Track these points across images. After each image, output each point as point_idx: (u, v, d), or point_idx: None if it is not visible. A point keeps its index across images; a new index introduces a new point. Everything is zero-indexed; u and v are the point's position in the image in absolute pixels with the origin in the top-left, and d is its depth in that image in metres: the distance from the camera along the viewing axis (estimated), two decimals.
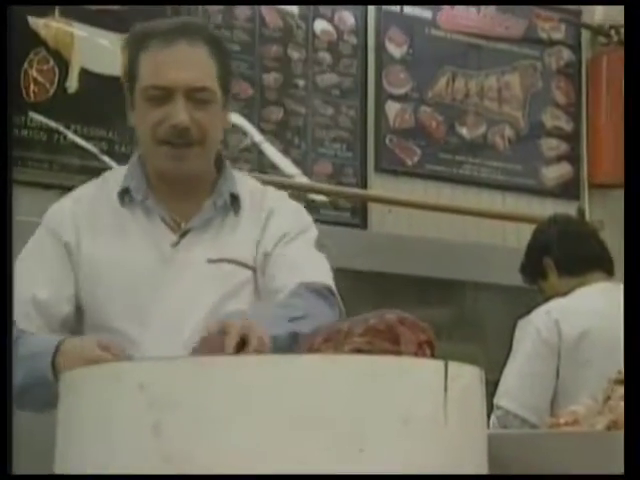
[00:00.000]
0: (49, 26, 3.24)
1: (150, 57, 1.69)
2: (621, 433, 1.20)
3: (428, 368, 1.16)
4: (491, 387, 3.00)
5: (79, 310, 1.74)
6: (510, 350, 2.83)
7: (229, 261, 1.72)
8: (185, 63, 1.68)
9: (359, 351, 1.25)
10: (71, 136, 3.26)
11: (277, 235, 1.76)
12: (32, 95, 3.19)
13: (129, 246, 1.72)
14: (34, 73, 3.20)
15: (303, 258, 1.75)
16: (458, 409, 1.15)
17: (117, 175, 1.82)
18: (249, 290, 1.74)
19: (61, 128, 3.23)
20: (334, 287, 1.75)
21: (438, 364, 1.15)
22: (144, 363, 1.18)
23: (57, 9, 3.26)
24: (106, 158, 3.31)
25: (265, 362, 1.11)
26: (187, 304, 1.69)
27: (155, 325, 1.67)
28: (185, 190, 1.75)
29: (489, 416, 2.72)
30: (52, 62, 3.23)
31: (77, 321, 1.74)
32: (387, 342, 1.25)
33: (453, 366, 1.15)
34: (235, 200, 1.77)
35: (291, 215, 1.81)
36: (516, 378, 2.69)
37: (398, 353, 1.25)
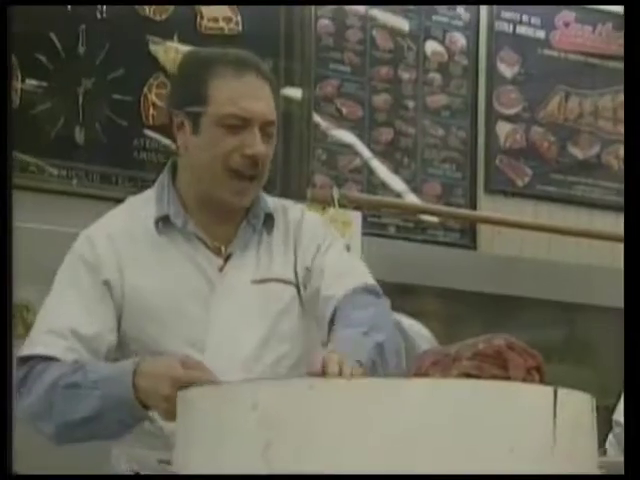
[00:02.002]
0: (168, 51, 3.35)
1: (224, 85, 1.68)
2: None
3: (537, 394, 1.16)
4: (604, 413, 2.94)
5: (124, 342, 1.72)
6: (622, 373, 2.77)
7: (275, 280, 1.74)
8: (260, 96, 1.70)
9: (467, 375, 1.26)
10: None
11: (312, 248, 1.77)
12: (151, 119, 3.30)
13: (174, 274, 1.71)
14: (153, 97, 3.32)
15: (344, 264, 1.77)
16: (567, 437, 1.15)
17: (143, 202, 1.78)
18: (296, 306, 1.74)
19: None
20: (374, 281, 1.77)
21: (547, 390, 1.15)
22: (259, 384, 1.21)
23: (176, 35, 3.37)
24: None
25: (375, 385, 1.13)
26: (241, 327, 1.71)
27: (210, 348, 1.68)
28: (223, 214, 1.76)
29: (607, 435, 2.67)
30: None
31: (121, 352, 1.72)
32: (495, 367, 1.26)
33: (562, 392, 1.15)
34: (269, 219, 1.78)
35: (318, 226, 1.83)
36: None
37: (506, 378, 1.25)
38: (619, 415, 2.61)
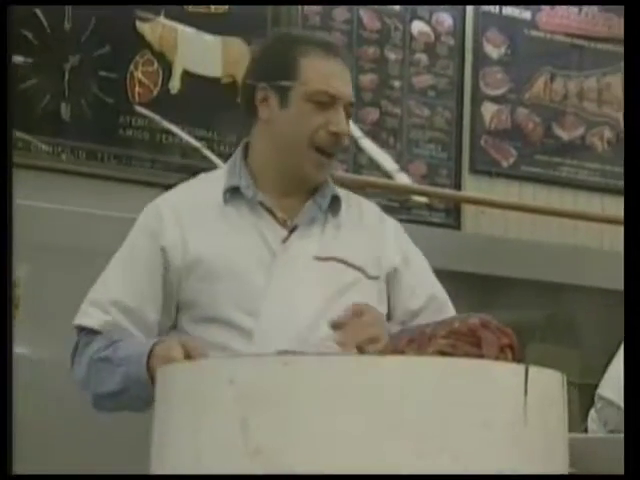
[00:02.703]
0: (154, 29, 3.35)
1: (314, 64, 1.78)
2: None
3: (508, 372, 1.18)
4: (586, 389, 2.98)
5: (178, 308, 1.79)
6: (607, 353, 2.79)
7: (338, 260, 1.80)
8: (345, 79, 1.81)
9: (442, 353, 1.28)
10: (173, 135, 3.36)
11: (402, 252, 1.89)
12: (137, 96, 3.30)
13: (238, 242, 1.78)
14: (139, 75, 3.32)
15: (430, 278, 1.93)
16: (538, 413, 1.17)
17: (215, 178, 1.87)
18: (355, 290, 1.80)
19: (165, 126, 3.34)
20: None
21: (518, 368, 1.17)
22: (236, 360, 1.23)
23: (162, 13, 3.36)
24: (210, 156, 3.40)
25: (349, 362, 1.15)
26: (299, 297, 1.76)
27: (268, 317, 1.73)
28: (291, 189, 1.84)
29: (589, 411, 2.69)
30: (156, 64, 3.34)
31: (173, 319, 1.80)
32: (469, 345, 1.28)
33: (533, 370, 1.17)
34: (336, 202, 1.86)
35: (404, 233, 1.95)
36: (620, 370, 2.65)
37: (480, 356, 1.28)
38: (602, 390, 2.63)
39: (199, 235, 1.77)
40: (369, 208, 1.95)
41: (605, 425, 2.60)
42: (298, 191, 1.84)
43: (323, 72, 1.78)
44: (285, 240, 1.79)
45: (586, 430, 2.69)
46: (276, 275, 1.76)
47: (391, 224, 1.95)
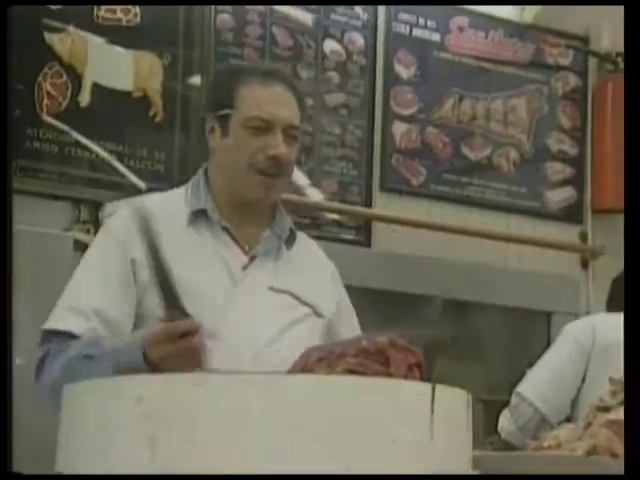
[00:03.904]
0: (64, 40, 3.30)
1: (251, 92, 1.84)
2: (600, 458, 1.24)
3: (415, 390, 1.20)
4: (491, 406, 3.04)
5: (145, 320, 1.79)
6: (512, 370, 2.88)
7: (291, 295, 1.87)
8: (284, 103, 1.86)
9: (351, 372, 1.29)
10: (82, 148, 3.32)
11: (339, 298, 1.97)
12: (45, 108, 3.25)
13: (201, 266, 1.82)
14: (48, 87, 3.26)
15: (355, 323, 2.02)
16: (444, 430, 1.19)
17: (176, 196, 1.91)
18: (305, 326, 1.87)
19: (74, 139, 3.29)
20: None
21: (425, 387, 1.19)
22: (143, 378, 1.22)
23: (72, 25, 3.32)
24: (120, 170, 3.37)
25: (259, 382, 1.15)
26: (256, 324, 1.81)
27: (227, 339, 1.76)
28: (249, 216, 1.88)
29: (494, 427, 2.77)
30: (65, 76, 3.30)
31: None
32: (378, 364, 1.29)
33: (440, 389, 1.19)
34: (292, 235, 1.93)
35: (339, 278, 2.01)
36: (540, 370, 2.75)
37: (389, 375, 1.29)
38: (520, 387, 2.73)
39: (165, 253, 1.75)
40: (315, 247, 2.03)
41: (517, 420, 2.69)
42: (253, 219, 1.89)
43: (258, 99, 1.84)
44: (245, 267, 1.85)
45: (499, 439, 2.76)
46: (235, 300, 1.81)
47: (331, 267, 2.01)
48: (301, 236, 1.98)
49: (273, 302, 1.85)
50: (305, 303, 1.88)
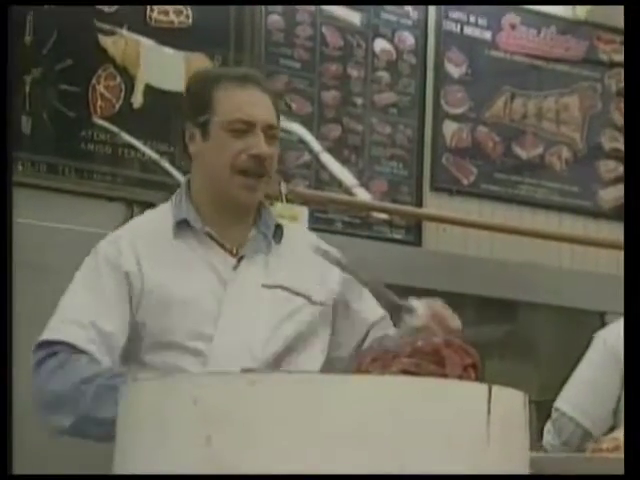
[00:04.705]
0: (117, 43, 3.34)
1: (227, 95, 1.87)
2: None
3: (472, 391, 1.19)
4: (542, 407, 3.01)
5: (137, 332, 1.83)
6: (563, 370, 2.84)
7: (283, 288, 1.88)
8: (261, 104, 1.89)
9: (406, 372, 1.29)
10: (135, 150, 3.35)
11: (344, 278, 1.93)
12: (99, 110, 3.29)
13: (190, 274, 1.85)
14: (101, 89, 3.30)
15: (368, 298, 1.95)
16: (500, 432, 1.18)
17: (164, 209, 1.95)
18: (299, 317, 1.89)
19: (127, 141, 3.33)
20: None
21: (482, 387, 1.18)
22: (199, 378, 1.23)
23: (125, 27, 3.36)
24: (170, 170, 3.40)
25: (315, 382, 1.15)
26: (250, 323, 1.83)
27: (221, 341, 1.80)
28: (235, 216, 1.91)
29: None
30: (119, 78, 3.33)
31: (133, 344, 1.83)
32: (433, 364, 1.29)
33: (496, 389, 1.18)
34: (279, 230, 1.95)
35: (338, 256, 1.98)
36: (577, 383, 2.72)
37: (444, 375, 1.28)
38: (558, 402, 2.70)
39: (152, 266, 1.84)
40: (305, 235, 2.05)
41: (559, 435, 2.66)
42: (239, 220, 1.92)
43: (236, 101, 1.87)
44: (235, 268, 1.87)
45: (542, 446, 2.73)
46: (228, 301, 1.83)
47: (328, 248, 2.00)
48: (291, 227, 1.99)
49: (266, 299, 1.87)
50: (298, 294, 1.89)
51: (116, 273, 1.83)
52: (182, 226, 1.89)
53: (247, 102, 1.87)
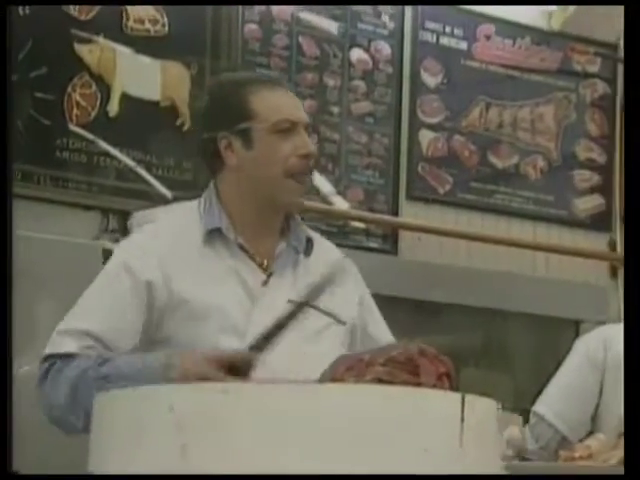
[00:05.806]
0: (93, 51, 3.33)
1: (264, 98, 1.85)
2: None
3: (445, 399, 1.20)
4: (521, 414, 3.02)
5: (161, 342, 1.79)
6: (539, 378, 2.86)
7: (311, 306, 1.82)
8: (297, 104, 1.90)
9: (380, 381, 1.29)
10: (111, 158, 3.34)
11: (361, 298, 1.94)
12: (74, 118, 3.28)
13: (219, 286, 1.80)
14: (77, 97, 3.29)
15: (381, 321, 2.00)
16: (474, 439, 1.19)
17: (188, 213, 1.89)
18: (326, 336, 1.86)
19: (103, 149, 3.32)
20: None
21: (455, 396, 1.19)
22: (175, 387, 1.23)
23: (101, 36, 3.35)
24: (147, 179, 3.39)
25: (289, 391, 1.16)
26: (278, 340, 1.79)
27: None
28: (266, 229, 1.88)
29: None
30: (94, 86, 3.32)
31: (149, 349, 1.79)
32: (407, 373, 1.29)
33: (469, 398, 1.19)
34: (309, 244, 1.91)
35: (358, 274, 1.99)
36: (556, 388, 2.73)
37: (418, 384, 1.29)
38: (537, 406, 2.71)
39: (181, 276, 1.79)
40: (331, 250, 2.00)
41: (537, 441, 2.67)
42: (270, 231, 1.88)
43: (276, 103, 1.85)
44: (265, 284, 1.84)
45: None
46: (256, 318, 1.78)
47: (351, 267, 1.98)
48: (318, 240, 1.96)
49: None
50: (326, 313, 1.86)
51: (135, 281, 1.78)
52: (213, 234, 1.84)
53: (285, 103, 1.86)
